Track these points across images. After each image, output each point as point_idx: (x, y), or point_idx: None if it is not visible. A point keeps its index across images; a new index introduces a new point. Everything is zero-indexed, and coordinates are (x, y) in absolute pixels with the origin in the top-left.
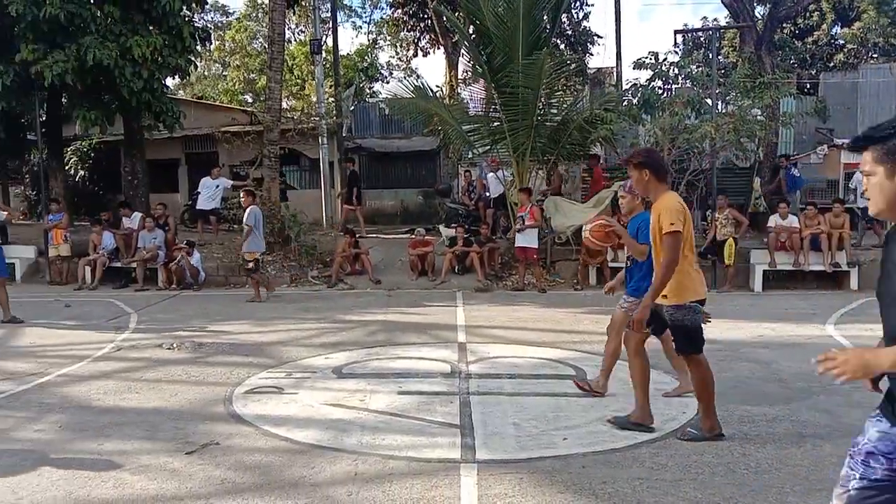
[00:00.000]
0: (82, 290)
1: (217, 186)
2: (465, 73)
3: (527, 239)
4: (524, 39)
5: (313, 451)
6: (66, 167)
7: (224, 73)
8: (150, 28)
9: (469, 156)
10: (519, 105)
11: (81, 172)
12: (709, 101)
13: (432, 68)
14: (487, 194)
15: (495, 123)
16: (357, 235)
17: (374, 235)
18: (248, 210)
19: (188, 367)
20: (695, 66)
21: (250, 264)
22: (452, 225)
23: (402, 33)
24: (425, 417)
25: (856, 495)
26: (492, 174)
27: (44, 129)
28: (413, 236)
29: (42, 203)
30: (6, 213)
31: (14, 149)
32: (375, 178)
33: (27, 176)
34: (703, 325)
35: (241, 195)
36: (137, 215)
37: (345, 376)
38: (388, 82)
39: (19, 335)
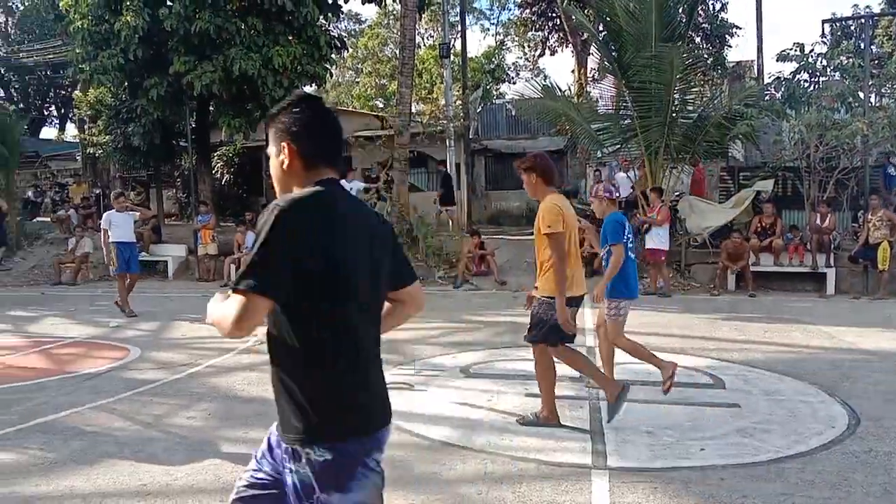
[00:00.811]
0: (227, 287)
1: (351, 189)
2: (594, 71)
3: (656, 240)
4: (657, 34)
5: (444, 448)
6: (213, 171)
7: (357, 80)
8: (290, 38)
9: (598, 155)
10: (651, 102)
11: (227, 176)
12: (861, 94)
13: (560, 67)
14: (617, 195)
15: (626, 121)
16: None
17: (500, 237)
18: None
19: None
20: (844, 58)
21: None
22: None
23: (529, 33)
24: None
25: None
26: (622, 174)
27: (193, 136)
28: None
29: (191, 205)
30: (139, 213)
31: (167, 154)
32: (501, 179)
33: (178, 180)
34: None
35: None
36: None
37: (472, 376)
38: (514, 83)
39: (172, 328)
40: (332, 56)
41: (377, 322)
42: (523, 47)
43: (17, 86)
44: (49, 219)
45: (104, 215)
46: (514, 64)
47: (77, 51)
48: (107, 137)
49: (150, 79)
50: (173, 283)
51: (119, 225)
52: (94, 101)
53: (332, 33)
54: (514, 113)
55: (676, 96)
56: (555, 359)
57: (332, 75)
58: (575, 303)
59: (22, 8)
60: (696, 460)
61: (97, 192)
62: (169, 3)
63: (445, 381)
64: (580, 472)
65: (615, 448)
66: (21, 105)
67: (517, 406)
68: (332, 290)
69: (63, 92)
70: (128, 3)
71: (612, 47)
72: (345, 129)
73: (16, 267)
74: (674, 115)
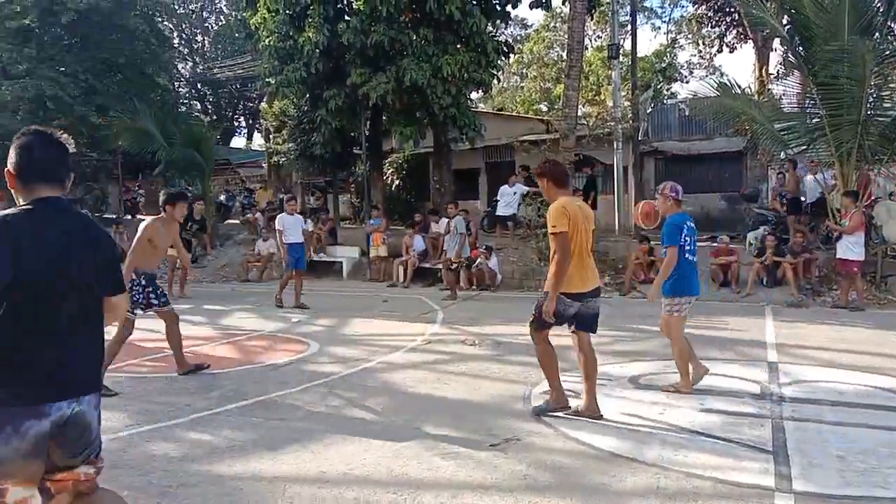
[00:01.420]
0: (396, 287)
1: (514, 193)
2: (778, 66)
3: (848, 250)
4: (849, 25)
5: (612, 458)
6: (385, 177)
7: (521, 84)
8: (458, 47)
9: (782, 156)
10: (842, 98)
11: (397, 182)
12: None
13: (738, 64)
14: (803, 198)
15: (814, 120)
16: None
17: None
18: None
19: (489, 364)
20: None
21: None
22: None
23: (704, 30)
24: (731, 438)
25: None
26: (810, 177)
27: (367, 144)
28: (715, 244)
29: (364, 209)
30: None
31: (343, 162)
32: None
33: (353, 185)
34: (565, 315)
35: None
36: (444, 221)
37: (641, 387)
38: (687, 82)
39: (347, 325)
40: (499, 62)
41: (65, 312)
42: (697, 44)
43: (210, 99)
44: (238, 221)
45: (277, 218)
46: (686, 62)
47: (265, 66)
48: (290, 146)
49: (330, 90)
50: (347, 282)
51: (290, 227)
52: (279, 112)
53: (498, 39)
54: (687, 113)
55: (871, 92)
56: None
57: (498, 80)
58: (579, 298)
59: (216, 28)
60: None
61: (281, 196)
62: (347, 17)
63: (612, 390)
64: (762, 495)
65: (801, 471)
66: (214, 117)
67: (692, 421)
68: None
69: (251, 104)
70: (310, 20)
71: (798, 41)
72: (509, 133)
73: (210, 264)
74: (868, 112)
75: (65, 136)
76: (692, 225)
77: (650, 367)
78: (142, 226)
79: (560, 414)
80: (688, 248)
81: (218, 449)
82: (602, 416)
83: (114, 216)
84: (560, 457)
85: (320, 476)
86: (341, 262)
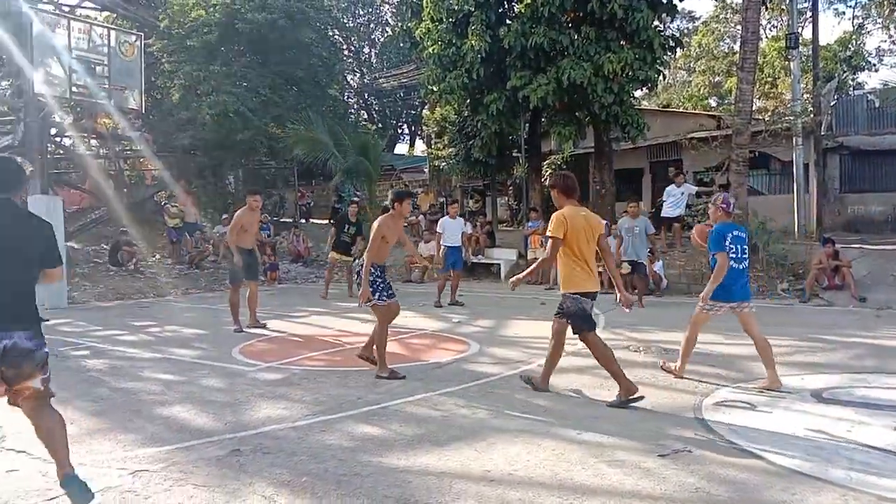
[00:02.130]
0: (554, 290)
1: (682, 193)
2: None
3: None
4: None
5: (793, 476)
6: (543, 179)
7: (689, 79)
8: (622, 44)
9: None
10: None
11: None
12: None
13: None
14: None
15: None
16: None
17: (859, 246)
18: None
19: (655, 371)
20: None
21: None
22: None
23: None
24: None
25: None
26: None
27: (526, 147)
28: None
29: (522, 212)
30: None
31: (502, 165)
32: (860, 180)
33: (511, 188)
34: (587, 310)
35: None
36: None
37: (825, 401)
38: (876, 70)
39: (506, 326)
40: (666, 58)
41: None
42: (888, 28)
43: (376, 108)
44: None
45: (439, 221)
46: (875, 49)
47: (428, 74)
48: (450, 151)
49: (490, 95)
50: (505, 284)
51: (450, 230)
52: (440, 118)
53: (665, 34)
54: (877, 104)
55: None
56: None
57: (664, 77)
58: (591, 296)
59: (382, 39)
60: None
61: (441, 200)
62: (508, 22)
63: (792, 403)
64: None
65: None
66: (380, 125)
67: (885, 441)
68: None
69: (413, 112)
70: (472, 27)
71: None
72: (674, 131)
73: None
74: None
75: (21, 160)
76: (740, 234)
77: (835, 380)
78: (376, 223)
79: (741, 428)
80: (733, 255)
81: (387, 441)
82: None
83: (290, 220)
84: (734, 471)
85: (485, 475)
86: (499, 265)
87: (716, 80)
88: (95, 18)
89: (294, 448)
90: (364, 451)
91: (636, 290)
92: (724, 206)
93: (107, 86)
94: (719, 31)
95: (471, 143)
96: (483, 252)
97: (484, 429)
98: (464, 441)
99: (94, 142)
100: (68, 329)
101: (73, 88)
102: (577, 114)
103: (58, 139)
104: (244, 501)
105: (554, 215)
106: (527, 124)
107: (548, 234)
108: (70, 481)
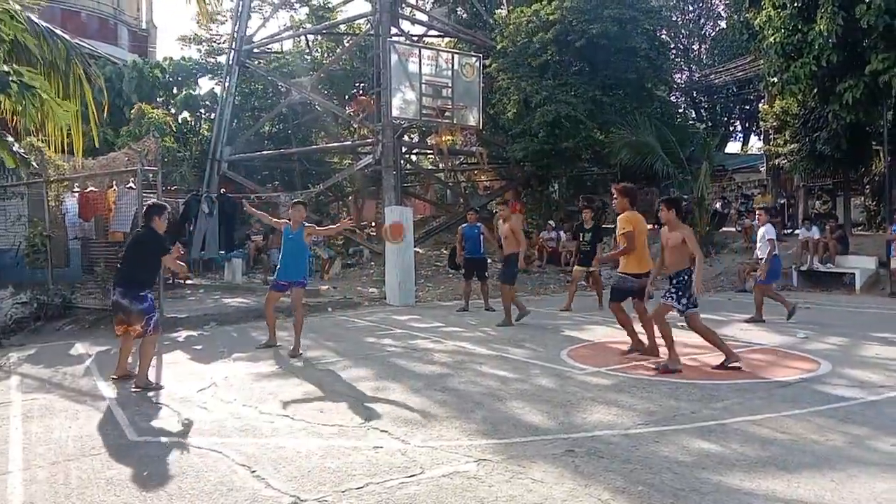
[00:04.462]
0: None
1: None
2: None
3: None
4: None
5: None
6: None
7: None
8: None
9: None
10: None
11: None
12: None
13: None
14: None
15: None
16: None
17: None
18: None
19: None
20: None
21: None
22: None
23: None
24: None
25: None
26: None
27: (889, 138)
28: None
29: (883, 213)
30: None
31: (857, 160)
32: None
33: (868, 186)
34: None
35: None
36: None
37: None
38: None
39: (861, 345)
40: None
41: None
42: None
43: (705, 105)
44: (734, 228)
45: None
46: None
47: (768, 65)
48: (792, 147)
49: (843, 83)
50: (861, 297)
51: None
52: (780, 111)
53: None
54: None
55: None
56: None
57: None
58: (638, 276)
59: (713, 34)
60: None
61: (782, 201)
62: None
63: None
64: None
65: None
66: (709, 123)
67: None
68: None
69: (747, 107)
70: (822, 10)
71: None
72: None
73: (705, 272)
74: None
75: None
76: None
77: None
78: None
79: None
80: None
81: (727, 460)
82: None
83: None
84: None
85: None
86: (853, 275)
87: None
88: (439, 44)
89: (627, 455)
90: (701, 467)
91: None
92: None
93: (451, 106)
94: None
95: (816, 136)
96: (833, 260)
97: (841, 459)
98: (816, 469)
99: (434, 157)
100: (417, 325)
101: (423, 110)
102: None
103: (406, 156)
104: (581, 501)
105: (622, 217)
106: (891, 112)
107: (621, 231)
108: None
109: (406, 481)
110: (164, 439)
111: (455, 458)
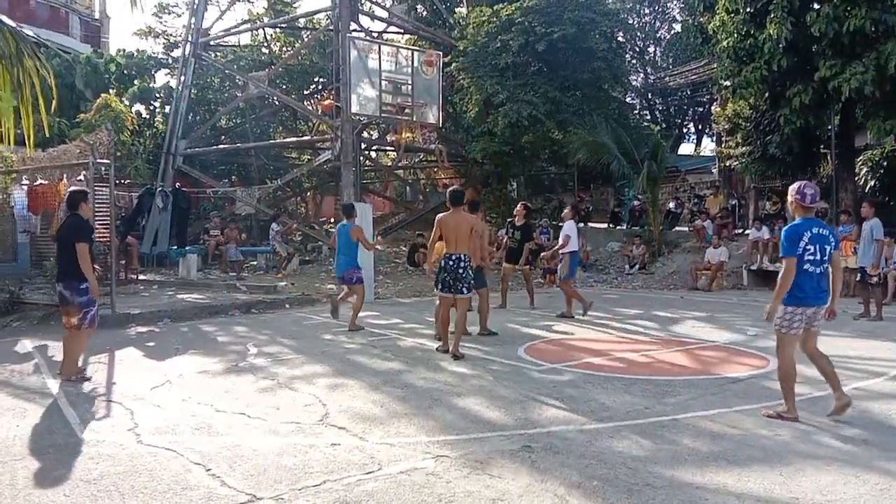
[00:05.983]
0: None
1: None
2: None
3: None
4: None
5: None
6: (856, 178)
7: None
8: None
9: None
10: None
11: (871, 183)
12: None
13: None
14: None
15: None
16: None
17: None
18: None
19: None
20: None
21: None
22: None
23: None
24: None
25: None
26: None
27: (836, 142)
28: None
29: (830, 214)
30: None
31: (804, 163)
32: None
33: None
34: None
35: None
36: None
37: None
38: None
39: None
40: None
41: None
42: None
43: (660, 108)
44: (687, 228)
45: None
46: None
47: (720, 69)
48: (744, 149)
49: (793, 87)
50: None
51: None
52: (732, 114)
53: None
54: None
55: None
56: None
57: None
58: None
59: (668, 37)
60: None
61: (733, 202)
62: (816, 6)
63: None
64: None
65: None
66: (664, 125)
67: None
68: None
69: (700, 109)
70: (772, 15)
71: None
72: None
73: (658, 271)
74: None
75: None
76: (820, 231)
77: None
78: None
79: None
80: (811, 258)
81: (679, 455)
82: None
83: None
84: None
85: (792, 501)
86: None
87: None
88: (399, 41)
89: (583, 451)
90: (655, 461)
91: None
92: (798, 196)
93: (410, 103)
94: None
95: (768, 139)
96: (780, 260)
97: (789, 453)
98: (766, 463)
99: (394, 154)
100: (376, 322)
101: (383, 107)
102: None
103: (365, 152)
104: (537, 497)
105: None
106: (837, 117)
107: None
108: None
109: (364, 478)
110: (116, 438)
111: (413, 454)
